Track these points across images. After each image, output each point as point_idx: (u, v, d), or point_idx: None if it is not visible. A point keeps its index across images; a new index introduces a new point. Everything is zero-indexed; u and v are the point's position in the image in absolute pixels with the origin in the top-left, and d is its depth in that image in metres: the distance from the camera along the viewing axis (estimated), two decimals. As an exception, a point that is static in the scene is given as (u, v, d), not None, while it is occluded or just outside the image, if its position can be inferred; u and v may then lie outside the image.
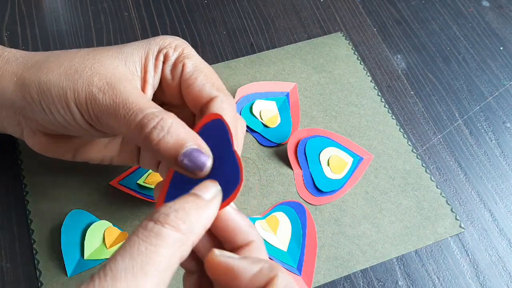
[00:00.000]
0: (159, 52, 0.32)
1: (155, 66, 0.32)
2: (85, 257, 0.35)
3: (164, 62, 0.32)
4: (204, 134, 0.28)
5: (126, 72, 0.30)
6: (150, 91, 0.32)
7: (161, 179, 0.38)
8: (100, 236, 0.36)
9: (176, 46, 0.32)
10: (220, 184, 0.25)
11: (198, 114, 0.33)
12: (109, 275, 0.19)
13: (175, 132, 0.26)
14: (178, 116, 0.28)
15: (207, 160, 0.26)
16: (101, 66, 0.29)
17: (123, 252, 0.20)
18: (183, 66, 0.31)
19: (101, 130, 0.30)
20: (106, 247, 0.35)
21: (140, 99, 0.28)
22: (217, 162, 0.26)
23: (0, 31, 0.47)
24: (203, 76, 0.31)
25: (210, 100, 0.31)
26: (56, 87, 0.29)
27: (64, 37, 0.47)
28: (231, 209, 0.26)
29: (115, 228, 0.36)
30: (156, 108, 0.27)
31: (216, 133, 0.27)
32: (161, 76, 0.32)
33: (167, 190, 0.28)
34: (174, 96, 0.33)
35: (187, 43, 0.33)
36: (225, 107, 0.30)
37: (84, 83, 0.29)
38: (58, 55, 0.31)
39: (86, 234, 0.35)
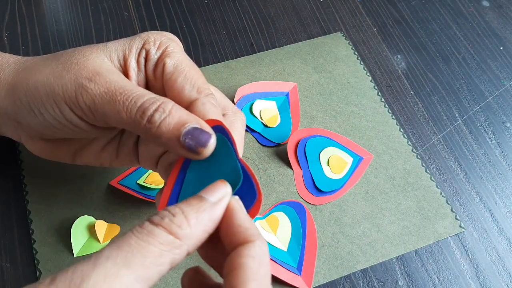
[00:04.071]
0: (142, 48, 0.31)
1: (138, 62, 0.31)
2: (75, 255, 0.35)
3: (146, 61, 0.31)
4: None
5: (112, 65, 0.30)
6: None
7: (162, 178, 0.38)
8: (84, 230, 0.36)
9: (160, 44, 0.31)
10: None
11: None
12: (92, 260, 0.19)
13: (177, 114, 0.26)
14: None
15: (210, 138, 0.25)
16: (87, 61, 0.29)
17: (112, 243, 0.20)
18: (163, 66, 0.30)
19: (94, 125, 0.29)
20: (97, 241, 0.36)
21: (136, 87, 0.28)
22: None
23: (0, 31, 0.47)
24: (183, 77, 0.29)
25: (190, 104, 0.29)
26: (44, 86, 0.29)
27: (64, 37, 0.47)
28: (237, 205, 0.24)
29: (101, 221, 0.36)
30: (154, 94, 0.27)
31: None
32: (146, 76, 0.31)
33: (170, 193, 0.27)
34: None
35: (174, 38, 0.32)
36: (207, 109, 0.28)
37: (72, 77, 0.28)
38: (47, 57, 0.31)
39: (71, 232, 0.36)
